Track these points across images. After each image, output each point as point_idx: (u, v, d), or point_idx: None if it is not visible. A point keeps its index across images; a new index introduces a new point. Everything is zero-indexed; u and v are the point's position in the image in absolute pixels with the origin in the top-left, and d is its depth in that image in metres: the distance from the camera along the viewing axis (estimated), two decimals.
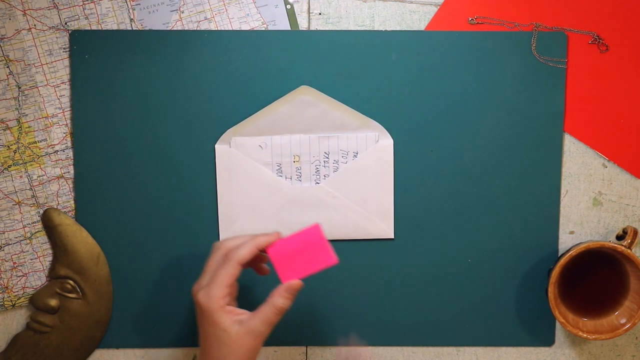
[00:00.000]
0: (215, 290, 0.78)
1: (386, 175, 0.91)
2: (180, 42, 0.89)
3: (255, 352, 0.79)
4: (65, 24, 0.90)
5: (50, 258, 0.92)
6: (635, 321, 0.88)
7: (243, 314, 0.79)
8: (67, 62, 0.90)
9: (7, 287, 0.92)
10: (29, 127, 0.90)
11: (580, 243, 0.90)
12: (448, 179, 0.91)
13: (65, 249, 0.90)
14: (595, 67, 0.91)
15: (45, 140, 0.90)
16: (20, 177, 0.90)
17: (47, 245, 0.92)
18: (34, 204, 0.91)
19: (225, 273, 0.79)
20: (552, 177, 0.92)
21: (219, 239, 0.91)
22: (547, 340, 0.94)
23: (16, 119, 0.90)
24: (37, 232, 0.91)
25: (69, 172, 0.91)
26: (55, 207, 0.91)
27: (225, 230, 0.91)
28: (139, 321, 0.93)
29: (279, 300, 0.79)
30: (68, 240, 0.90)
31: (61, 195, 0.91)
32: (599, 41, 0.91)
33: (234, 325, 0.78)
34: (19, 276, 0.91)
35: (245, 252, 0.79)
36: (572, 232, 0.93)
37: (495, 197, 0.92)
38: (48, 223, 0.91)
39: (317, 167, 0.90)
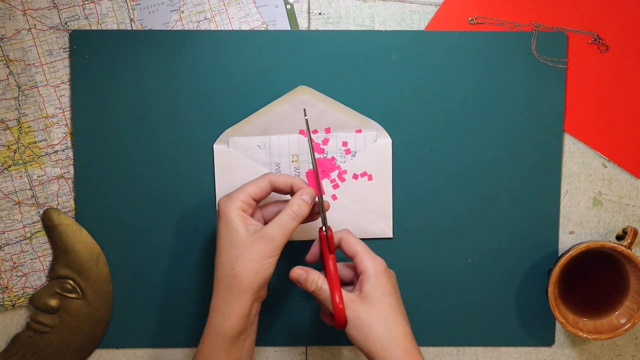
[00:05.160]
0: (236, 193, 0.81)
1: (385, 175, 0.91)
2: (180, 42, 0.90)
3: (267, 258, 0.79)
4: (65, 24, 0.90)
5: (50, 258, 0.92)
6: (635, 321, 0.88)
7: (259, 224, 0.81)
8: (67, 62, 0.90)
9: (7, 287, 0.92)
10: (29, 127, 0.90)
11: (580, 243, 0.89)
12: (447, 178, 0.91)
13: (65, 249, 0.90)
14: (595, 67, 0.91)
15: (45, 140, 0.90)
16: (20, 177, 0.91)
17: (47, 245, 0.92)
18: (34, 204, 0.91)
19: (252, 183, 0.82)
20: (552, 177, 0.92)
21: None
22: (547, 340, 0.94)
23: (16, 119, 0.90)
24: (37, 232, 0.91)
25: (69, 172, 0.91)
26: (55, 207, 0.91)
27: (267, 200, 0.90)
28: (139, 321, 0.93)
29: (295, 203, 0.80)
30: (68, 240, 0.90)
31: (61, 195, 0.91)
32: (599, 41, 0.91)
33: (247, 229, 0.79)
34: (19, 276, 0.92)
35: (279, 177, 0.83)
36: (572, 232, 0.93)
37: (495, 197, 0.92)
38: (48, 223, 0.91)
39: None
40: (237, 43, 0.90)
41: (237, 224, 0.80)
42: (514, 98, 0.90)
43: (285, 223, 0.79)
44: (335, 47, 0.90)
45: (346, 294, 0.80)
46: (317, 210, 0.84)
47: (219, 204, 0.82)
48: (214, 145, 0.90)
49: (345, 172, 0.90)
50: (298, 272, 0.82)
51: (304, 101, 0.89)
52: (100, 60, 0.90)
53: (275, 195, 0.86)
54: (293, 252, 0.91)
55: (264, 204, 0.86)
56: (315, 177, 0.85)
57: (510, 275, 0.93)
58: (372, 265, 0.81)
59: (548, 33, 0.90)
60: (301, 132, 0.90)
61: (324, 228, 0.84)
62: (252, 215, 0.83)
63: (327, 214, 0.90)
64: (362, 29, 0.91)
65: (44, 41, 0.90)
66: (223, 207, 0.81)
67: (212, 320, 0.81)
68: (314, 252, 0.85)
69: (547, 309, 0.91)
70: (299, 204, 0.80)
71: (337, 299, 0.80)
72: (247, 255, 0.79)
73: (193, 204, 0.91)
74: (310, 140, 0.85)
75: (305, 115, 0.85)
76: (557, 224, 0.92)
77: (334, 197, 0.90)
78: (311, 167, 0.90)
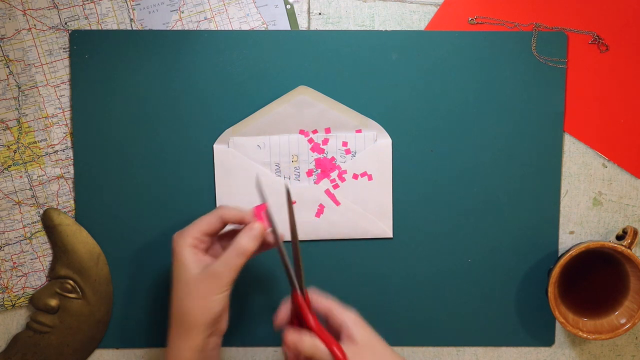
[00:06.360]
0: (188, 229, 0.81)
1: (385, 175, 0.91)
2: (180, 42, 0.90)
3: (215, 295, 0.78)
4: (65, 24, 0.90)
5: (50, 258, 0.92)
6: (635, 321, 0.88)
7: (210, 259, 0.81)
8: (67, 62, 0.90)
9: (7, 287, 0.92)
10: (29, 127, 0.90)
11: (580, 243, 0.89)
12: (447, 178, 0.91)
13: (65, 249, 0.90)
14: (595, 67, 0.91)
15: (45, 140, 0.90)
16: (20, 177, 0.91)
17: (47, 245, 0.92)
18: (34, 204, 0.91)
19: (204, 219, 0.82)
20: (552, 177, 0.92)
21: None
22: (547, 340, 0.94)
23: (16, 119, 0.90)
24: (37, 232, 0.91)
25: (69, 172, 0.91)
26: (55, 207, 0.91)
27: (224, 229, 0.91)
28: (139, 321, 0.93)
29: (241, 240, 0.79)
30: (68, 240, 0.90)
31: (61, 195, 0.91)
32: (599, 41, 0.91)
33: (197, 266, 0.79)
34: (19, 276, 0.92)
35: (230, 210, 0.82)
36: (572, 232, 0.93)
37: (495, 197, 0.92)
38: (48, 223, 0.91)
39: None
40: (237, 43, 0.90)
41: (186, 261, 0.79)
42: (514, 98, 0.90)
43: (231, 260, 0.78)
44: (335, 47, 0.90)
45: (344, 347, 0.78)
46: (270, 241, 0.82)
47: (172, 240, 0.81)
48: (214, 145, 0.90)
49: (345, 172, 0.90)
50: (292, 340, 0.79)
51: (304, 101, 0.89)
52: (100, 60, 0.90)
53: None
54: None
55: (224, 234, 0.85)
56: (264, 212, 0.81)
57: (510, 275, 0.93)
58: (349, 314, 0.80)
59: (548, 33, 0.90)
60: (301, 132, 0.90)
61: (298, 290, 0.80)
62: (208, 249, 0.83)
63: (327, 214, 0.90)
64: (362, 29, 0.91)
65: (44, 41, 0.90)
66: (174, 244, 0.81)
67: (168, 354, 0.81)
68: (283, 315, 0.82)
69: (547, 309, 0.91)
70: (246, 241, 0.79)
71: (340, 354, 0.77)
72: (195, 293, 0.79)
73: (193, 204, 0.91)
74: (261, 193, 0.81)
75: (288, 191, 0.81)
76: (557, 224, 0.92)
77: (334, 197, 0.90)
78: (312, 167, 0.90)
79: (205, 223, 0.81)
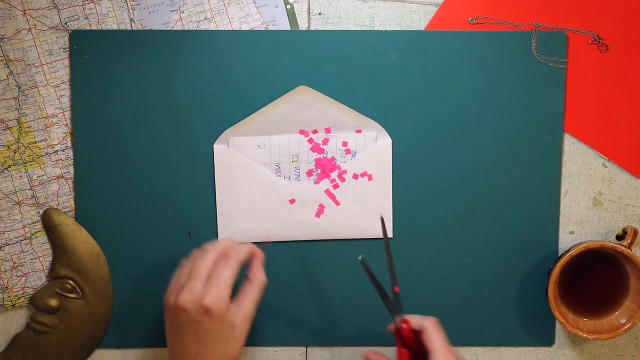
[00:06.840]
0: (224, 291, 0.78)
1: (385, 175, 0.91)
2: (180, 42, 0.90)
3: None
4: (65, 24, 0.90)
5: (50, 258, 0.92)
6: (635, 321, 0.88)
7: (232, 305, 0.81)
8: (67, 62, 0.90)
9: (7, 287, 0.92)
10: (29, 127, 0.90)
11: (580, 243, 0.89)
12: (447, 178, 0.91)
13: (65, 249, 0.90)
14: (595, 67, 0.91)
15: (45, 140, 0.90)
16: (20, 177, 0.91)
17: (47, 245, 0.92)
18: (34, 204, 0.91)
19: (229, 272, 0.79)
20: (552, 177, 0.92)
21: (217, 239, 0.91)
22: (547, 340, 0.94)
23: (16, 119, 0.90)
24: (37, 232, 0.91)
25: (69, 172, 0.91)
26: (55, 207, 0.91)
27: (224, 230, 0.91)
28: (139, 321, 0.93)
29: (261, 276, 0.82)
30: (68, 240, 0.90)
31: (61, 195, 0.91)
32: (599, 41, 0.91)
33: (236, 319, 0.80)
34: (19, 276, 0.92)
35: (245, 253, 0.82)
36: (572, 232, 0.93)
37: (495, 197, 0.92)
38: (48, 223, 0.91)
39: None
40: (237, 43, 0.90)
41: (232, 319, 0.80)
42: (514, 98, 0.90)
43: (258, 296, 0.82)
44: (335, 47, 0.90)
45: None
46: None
47: (208, 305, 0.77)
48: (214, 145, 0.90)
49: (345, 172, 0.90)
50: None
51: (304, 101, 0.89)
52: (100, 60, 0.90)
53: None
54: (301, 252, 0.91)
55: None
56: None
57: (510, 275, 0.93)
58: (440, 345, 0.80)
59: (548, 33, 0.90)
60: (301, 132, 0.90)
61: (394, 319, 0.83)
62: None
63: (327, 214, 0.90)
64: (362, 29, 0.91)
65: (44, 41, 0.90)
66: (217, 310, 0.78)
67: None
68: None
69: (547, 309, 0.91)
70: (263, 275, 0.83)
71: None
72: (241, 342, 0.80)
73: (193, 204, 0.91)
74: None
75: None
76: (557, 224, 0.92)
77: (334, 197, 0.90)
78: (312, 167, 0.90)
79: (231, 276, 0.80)
